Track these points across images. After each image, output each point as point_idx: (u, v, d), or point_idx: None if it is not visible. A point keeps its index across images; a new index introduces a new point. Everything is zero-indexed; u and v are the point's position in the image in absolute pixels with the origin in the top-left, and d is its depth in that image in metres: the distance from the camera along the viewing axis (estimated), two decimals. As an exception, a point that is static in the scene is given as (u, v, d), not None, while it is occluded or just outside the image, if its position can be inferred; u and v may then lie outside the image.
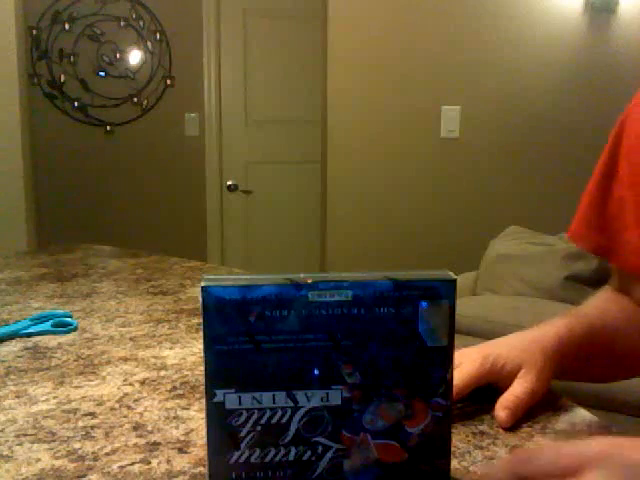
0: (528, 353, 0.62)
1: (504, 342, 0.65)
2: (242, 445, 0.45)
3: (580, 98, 2.61)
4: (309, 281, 0.44)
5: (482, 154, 2.65)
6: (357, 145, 2.70)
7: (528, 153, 2.62)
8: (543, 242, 1.94)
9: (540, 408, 0.61)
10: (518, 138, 2.64)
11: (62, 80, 3.47)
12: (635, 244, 0.67)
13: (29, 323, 0.84)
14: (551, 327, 0.66)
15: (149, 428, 0.57)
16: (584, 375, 0.73)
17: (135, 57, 3.53)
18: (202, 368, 0.67)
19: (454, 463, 0.51)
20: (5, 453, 0.52)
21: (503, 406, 0.58)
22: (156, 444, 0.54)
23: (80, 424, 0.57)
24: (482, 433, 0.56)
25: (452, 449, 0.53)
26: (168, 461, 0.51)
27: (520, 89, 2.65)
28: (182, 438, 0.55)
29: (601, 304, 0.74)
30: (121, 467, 0.50)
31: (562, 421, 0.59)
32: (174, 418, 0.58)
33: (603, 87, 2.59)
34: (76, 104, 3.49)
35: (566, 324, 0.66)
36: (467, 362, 0.61)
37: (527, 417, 0.59)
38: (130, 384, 0.66)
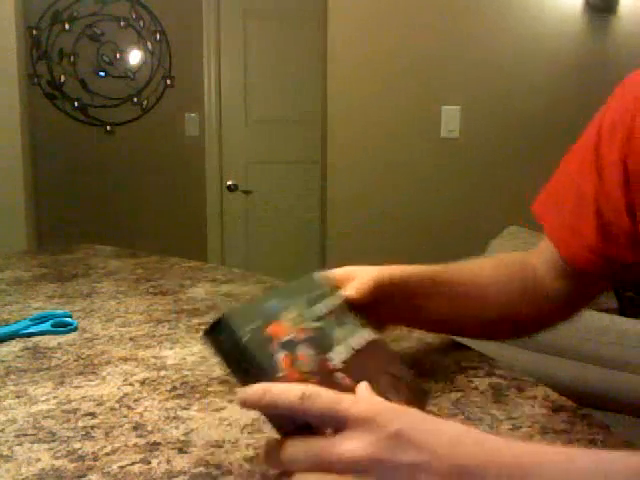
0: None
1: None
2: None
3: (580, 98, 2.61)
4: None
5: (482, 154, 2.65)
6: (357, 145, 2.69)
7: (528, 153, 2.62)
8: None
9: (539, 408, 0.61)
10: (518, 138, 2.64)
11: (62, 80, 3.47)
12: (589, 241, 0.66)
13: (29, 323, 0.84)
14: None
15: (149, 428, 0.57)
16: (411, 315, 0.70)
17: (135, 57, 3.52)
18: (202, 368, 0.66)
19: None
20: (5, 453, 0.52)
21: None
22: (156, 444, 0.54)
23: (80, 424, 0.57)
24: (482, 433, 0.56)
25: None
26: (168, 461, 0.51)
27: (520, 89, 2.65)
28: (182, 438, 0.55)
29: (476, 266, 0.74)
30: (121, 467, 0.50)
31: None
32: (174, 418, 0.58)
33: (603, 87, 2.58)
34: (76, 104, 3.49)
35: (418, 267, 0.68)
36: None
37: (527, 418, 0.59)
38: (130, 384, 0.66)
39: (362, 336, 0.54)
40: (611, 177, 0.64)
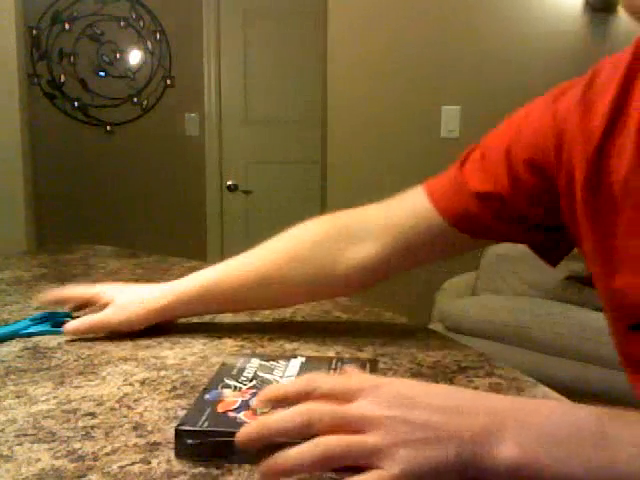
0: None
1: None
2: None
3: (580, 98, 2.62)
4: None
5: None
6: (357, 145, 2.70)
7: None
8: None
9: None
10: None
11: (62, 80, 3.48)
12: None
13: (29, 323, 0.84)
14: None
15: (149, 428, 0.57)
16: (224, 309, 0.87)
17: (135, 57, 3.53)
18: (202, 368, 0.67)
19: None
20: (5, 453, 0.52)
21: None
22: (156, 444, 0.54)
23: (80, 424, 0.57)
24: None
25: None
26: (168, 461, 0.51)
27: (520, 89, 2.65)
28: (182, 438, 0.55)
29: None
30: (121, 467, 0.50)
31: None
32: (174, 418, 0.58)
33: (603, 87, 2.59)
34: (76, 104, 3.49)
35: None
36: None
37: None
38: (130, 384, 0.66)
39: (295, 364, 0.64)
40: (526, 182, 0.66)
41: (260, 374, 0.62)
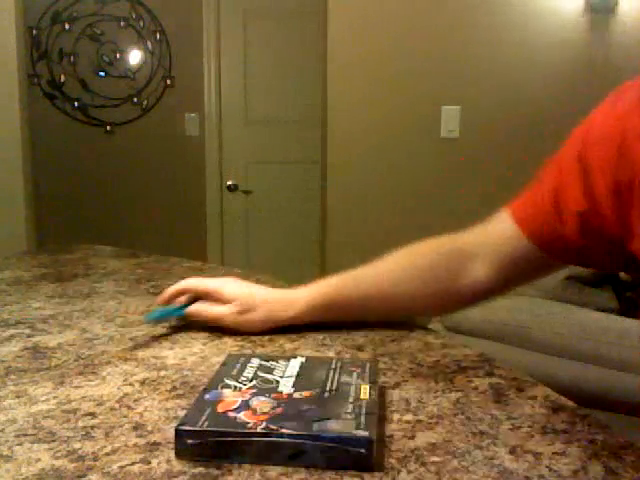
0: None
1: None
2: None
3: (580, 98, 2.61)
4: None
5: (482, 154, 2.65)
6: (357, 145, 2.69)
7: (528, 153, 2.62)
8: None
9: (539, 408, 0.61)
10: (518, 138, 2.64)
11: (62, 80, 3.48)
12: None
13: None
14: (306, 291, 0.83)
15: (149, 428, 0.57)
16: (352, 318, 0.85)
17: (135, 57, 3.53)
18: (202, 368, 0.67)
19: (454, 463, 0.51)
20: (5, 453, 0.52)
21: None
22: (156, 444, 0.54)
23: (80, 424, 0.57)
24: (482, 433, 0.56)
25: (453, 449, 0.53)
26: (168, 461, 0.51)
27: (520, 89, 2.65)
28: (182, 438, 0.55)
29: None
30: (121, 467, 0.50)
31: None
32: (174, 418, 0.58)
33: (603, 87, 2.58)
34: (76, 104, 3.49)
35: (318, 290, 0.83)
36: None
37: (527, 418, 0.59)
38: (130, 384, 0.66)
39: (295, 364, 0.65)
40: (598, 187, 0.64)
41: (260, 374, 0.62)
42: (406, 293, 0.81)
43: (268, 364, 0.65)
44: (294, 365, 0.65)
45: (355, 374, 0.62)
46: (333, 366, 0.64)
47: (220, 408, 0.55)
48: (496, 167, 2.66)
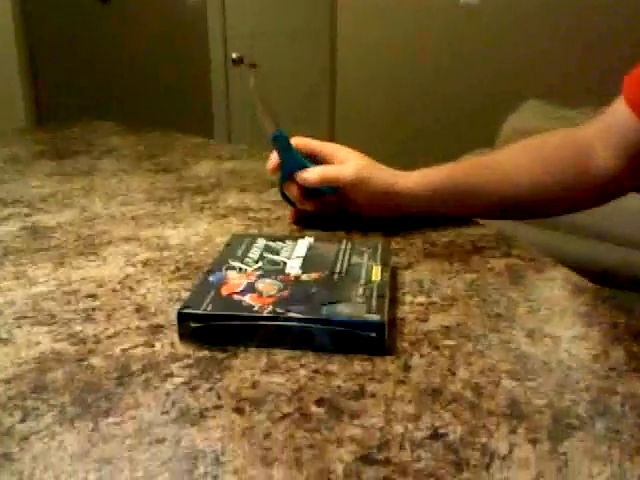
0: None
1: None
2: None
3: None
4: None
5: (503, 22, 2.48)
6: (369, 11, 2.53)
7: (554, 22, 2.44)
8: (563, 116, 1.85)
9: (559, 290, 0.58)
10: (545, 5, 2.45)
11: (51, -59, 3.22)
12: None
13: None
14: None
15: (152, 310, 0.55)
16: (469, 210, 0.75)
17: None
18: (206, 248, 0.64)
19: (469, 347, 0.49)
20: (4, 336, 0.51)
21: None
22: (159, 327, 0.52)
23: (81, 306, 0.56)
24: (498, 316, 0.53)
25: (468, 332, 0.51)
26: (172, 344, 0.49)
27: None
28: (186, 321, 0.53)
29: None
30: (123, 350, 0.49)
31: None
32: (177, 300, 0.56)
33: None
34: (68, -32, 3.26)
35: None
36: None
37: (545, 300, 0.56)
38: (132, 265, 0.64)
39: (303, 245, 0.62)
40: None
41: (266, 255, 0.60)
42: (535, 185, 0.71)
43: (274, 245, 0.62)
44: (302, 246, 0.62)
45: (366, 255, 0.59)
46: (343, 247, 0.61)
47: (224, 291, 0.52)
48: (518, 36, 2.49)
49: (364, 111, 2.63)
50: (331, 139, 2.78)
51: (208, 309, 0.50)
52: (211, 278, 0.55)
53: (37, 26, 3.11)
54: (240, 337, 0.49)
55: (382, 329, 0.47)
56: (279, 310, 0.49)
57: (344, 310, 0.49)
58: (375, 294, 0.51)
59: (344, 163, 0.71)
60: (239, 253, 0.60)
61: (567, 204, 0.75)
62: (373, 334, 0.47)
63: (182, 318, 0.50)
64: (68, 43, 3.35)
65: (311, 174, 0.71)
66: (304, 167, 0.72)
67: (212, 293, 0.52)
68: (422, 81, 2.59)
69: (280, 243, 0.62)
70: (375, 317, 0.48)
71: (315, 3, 3.09)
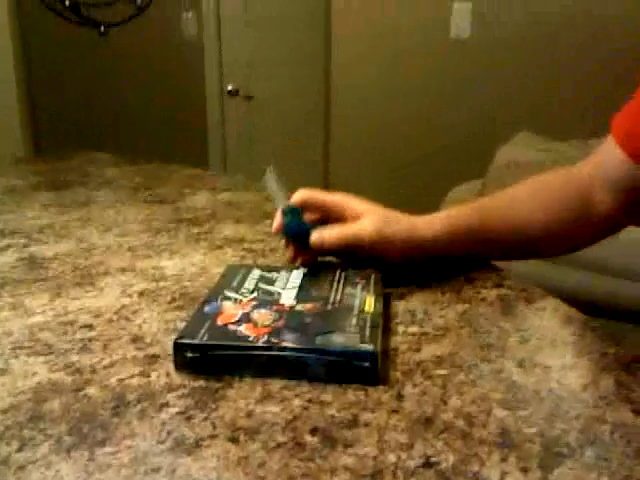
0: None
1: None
2: None
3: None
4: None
5: (494, 56, 2.53)
6: (361, 45, 2.58)
7: (544, 55, 2.50)
8: (554, 149, 1.88)
9: (548, 320, 0.59)
10: (534, 38, 2.51)
11: (51, -24, 3.29)
12: None
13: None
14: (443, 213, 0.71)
15: (148, 340, 0.55)
16: (487, 252, 0.74)
17: (127, -50, 3.31)
18: (202, 279, 0.65)
19: (461, 376, 0.49)
20: (1, 366, 0.51)
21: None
22: (155, 357, 0.53)
23: (77, 336, 0.56)
24: (489, 346, 0.54)
25: (460, 362, 0.52)
26: (167, 374, 0.50)
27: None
28: (182, 351, 0.53)
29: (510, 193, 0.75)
30: (120, 380, 0.49)
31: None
32: (173, 330, 0.57)
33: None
34: (67, 2, 3.32)
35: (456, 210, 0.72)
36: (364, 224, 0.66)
37: (536, 330, 0.57)
38: (128, 295, 0.65)
39: (297, 275, 0.63)
40: None
41: (261, 286, 0.60)
42: (546, 226, 0.72)
43: (269, 275, 0.63)
44: (296, 276, 0.63)
45: (359, 286, 0.60)
46: (337, 277, 0.62)
47: (220, 321, 0.53)
48: (508, 70, 2.54)
49: (357, 140, 2.67)
50: (325, 164, 2.81)
51: (204, 339, 0.50)
52: (207, 308, 0.56)
53: (36, 57, 3.16)
54: (236, 367, 0.49)
55: (375, 359, 0.48)
56: (274, 340, 0.50)
57: (338, 340, 0.50)
58: (369, 324, 0.52)
59: (358, 219, 0.66)
60: (234, 284, 0.61)
61: (569, 244, 0.77)
62: (367, 364, 0.48)
63: (178, 348, 0.50)
64: (66, 74, 3.39)
65: (328, 236, 0.65)
66: (307, 230, 0.66)
67: (208, 323, 0.53)
68: (415, 112, 2.63)
69: (275, 274, 0.63)
70: (369, 347, 0.49)
71: (310, 33, 3.15)
